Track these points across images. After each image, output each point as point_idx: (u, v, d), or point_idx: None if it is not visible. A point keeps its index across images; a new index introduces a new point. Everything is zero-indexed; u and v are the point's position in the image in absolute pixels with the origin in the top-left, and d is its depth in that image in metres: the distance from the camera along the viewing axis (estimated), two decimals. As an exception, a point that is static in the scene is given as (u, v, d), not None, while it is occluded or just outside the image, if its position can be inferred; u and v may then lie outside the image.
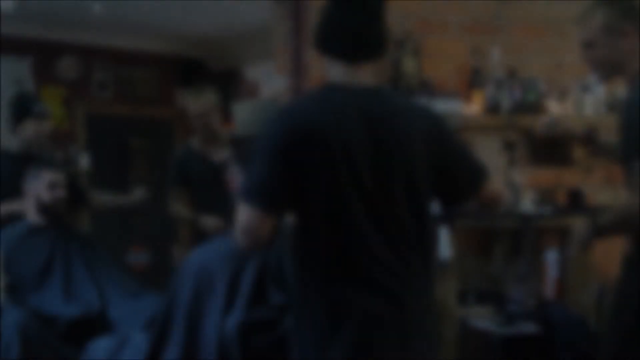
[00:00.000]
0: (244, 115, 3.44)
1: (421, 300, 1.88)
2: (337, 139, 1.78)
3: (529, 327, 3.29)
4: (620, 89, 3.38)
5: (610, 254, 3.93)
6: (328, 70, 1.93)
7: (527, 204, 3.65)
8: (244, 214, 1.79)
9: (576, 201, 3.74)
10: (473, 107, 3.69)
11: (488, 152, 3.85)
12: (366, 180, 1.80)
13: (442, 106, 3.57)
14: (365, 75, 1.89)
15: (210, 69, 7.38)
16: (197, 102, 3.84)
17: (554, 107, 3.74)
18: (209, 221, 3.69)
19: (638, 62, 2.26)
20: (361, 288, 1.80)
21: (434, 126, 1.92)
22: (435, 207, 2.00)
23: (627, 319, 2.23)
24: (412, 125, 1.87)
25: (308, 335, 1.84)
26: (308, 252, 1.85)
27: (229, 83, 7.26)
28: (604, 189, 3.92)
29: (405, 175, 1.84)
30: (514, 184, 3.63)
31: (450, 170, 1.93)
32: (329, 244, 1.81)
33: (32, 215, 3.53)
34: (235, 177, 2.29)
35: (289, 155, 1.77)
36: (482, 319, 3.48)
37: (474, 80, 3.76)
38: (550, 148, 3.90)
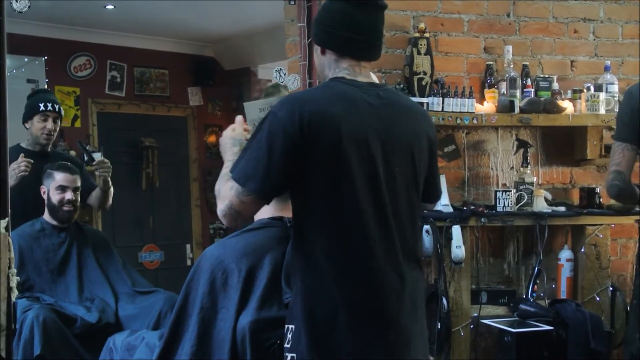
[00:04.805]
0: (255, 113, 3.43)
1: (417, 293, 1.90)
2: (348, 127, 1.77)
3: (542, 326, 3.28)
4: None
5: (623, 254, 3.93)
6: (331, 66, 1.93)
7: (541, 202, 3.64)
8: (235, 196, 1.77)
9: (590, 200, 3.72)
10: (486, 106, 3.69)
11: (501, 151, 3.84)
12: (375, 171, 1.80)
13: (455, 104, 3.58)
14: (367, 72, 1.93)
15: (223, 68, 7.40)
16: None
17: (568, 106, 3.73)
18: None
19: None
20: (361, 278, 1.79)
21: (432, 130, 1.99)
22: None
23: None
24: (418, 122, 1.93)
25: (306, 327, 1.81)
26: (308, 241, 1.82)
27: (241, 82, 7.28)
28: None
29: (411, 169, 1.88)
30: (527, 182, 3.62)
31: (427, 179, 1.97)
32: (332, 233, 1.79)
33: (47, 214, 3.55)
34: None
35: (298, 141, 1.74)
36: (495, 317, 3.48)
37: (487, 78, 3.76)
38: (564, 147, 3.89)
